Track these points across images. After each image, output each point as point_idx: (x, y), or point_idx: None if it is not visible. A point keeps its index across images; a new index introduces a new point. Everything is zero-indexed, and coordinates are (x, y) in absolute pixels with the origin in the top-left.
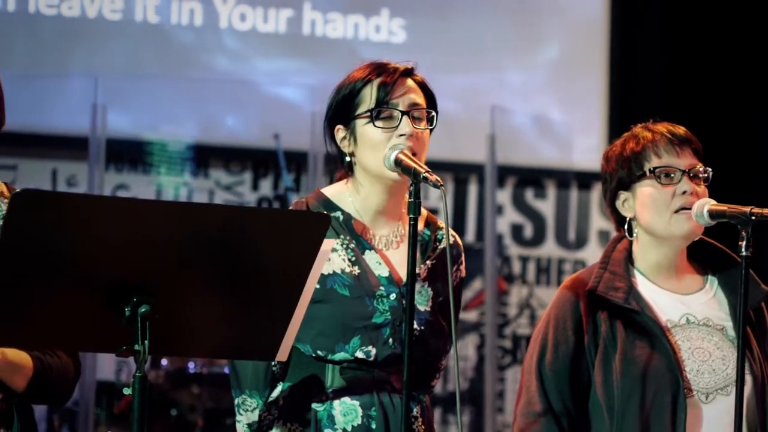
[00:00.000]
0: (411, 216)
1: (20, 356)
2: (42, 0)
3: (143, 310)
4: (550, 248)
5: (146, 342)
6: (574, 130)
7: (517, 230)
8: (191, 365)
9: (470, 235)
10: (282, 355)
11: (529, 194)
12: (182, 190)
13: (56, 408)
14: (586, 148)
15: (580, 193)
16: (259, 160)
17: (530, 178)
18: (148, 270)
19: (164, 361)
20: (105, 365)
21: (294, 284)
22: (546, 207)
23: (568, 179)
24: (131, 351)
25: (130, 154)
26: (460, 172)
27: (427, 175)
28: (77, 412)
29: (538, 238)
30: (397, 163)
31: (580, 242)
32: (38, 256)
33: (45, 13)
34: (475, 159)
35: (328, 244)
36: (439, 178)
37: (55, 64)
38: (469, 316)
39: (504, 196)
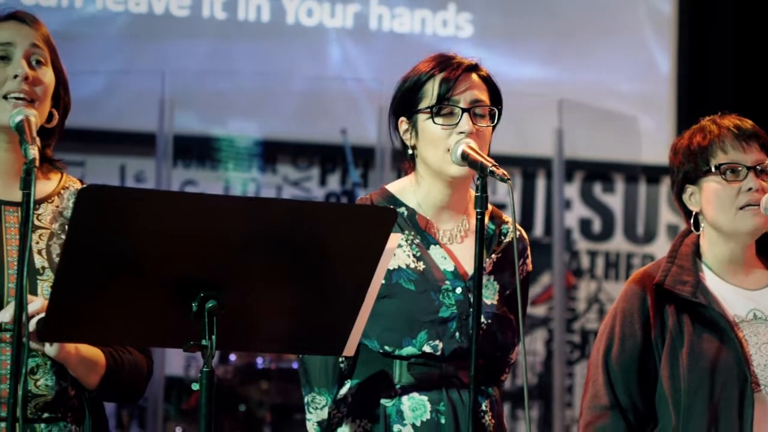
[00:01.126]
0: (478, 210)
1: (93, 352)
2: None
3: (210, 305)
4: (618, 243)
5: (213, 337)
6: (643, 123)
7: (585, 225)
8: (260, 360)
9: (538, 229)
10: (349, 350)
11: (597, 188)
12: (250, 185)
13: (126, 404)
14: (655, 141)
15: (648, 187)
16: (326, 156)
17: (598, 172)
18: (215, 265)
19: (233, 357)
20: (174, 361)
21: (361, 279)
22: (614, 201)
23: (636, 173)
24: (198, 346)
25: (198, 150)
26: (528, 167)
27: (493, 169)
28: (146, 408)
29: (606, 233)
30: (464, 157)
31: (649, 236)
32: (105, 252)
33: (113, 10)
34: (543, 153)
35: (394, 239)
36: (505, 172)
37: (123, 60)
38: (538, 310)
39: (572, 190)
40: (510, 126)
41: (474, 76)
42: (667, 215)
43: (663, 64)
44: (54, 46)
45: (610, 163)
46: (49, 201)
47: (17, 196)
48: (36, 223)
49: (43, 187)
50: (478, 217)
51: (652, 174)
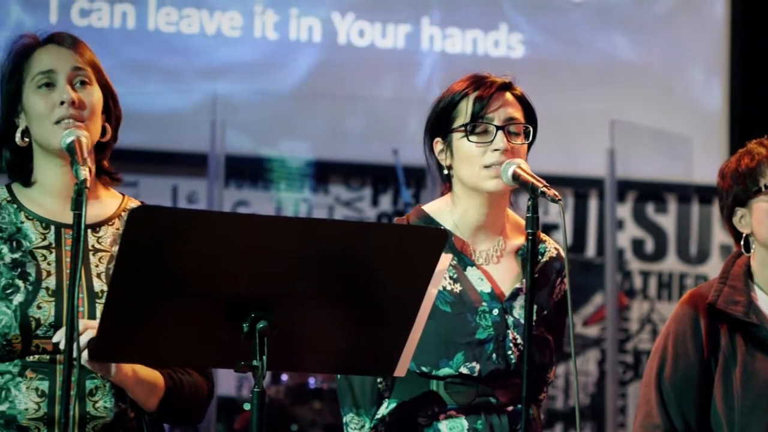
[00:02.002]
0: (529, 231)
1: (152, 374)
2: (162, 17)
3: (261, 325)
4: (671, 263)
5: (264, 357)
6: (695, 143)
7: (638, 245)
8: (312, 381)
9: (591, 250)
10: (400, 371)
11: (649, 208)
12: (302, 206)
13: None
14: (708, 161)
15: (701, 207)
16: (378, 176)
17: (651, 192)
18: (266, 285)
19: (284, 377)
20: (226, 381)
21: (412, 299)
22: (667, 221)
23: (689, 193)
24: (249, 366)
25: (250, 170)
26: (580, 187)
27: (545, 189)
28: (198, 429)
29: (659, 253)
30: (515, 177)
31: (702, 257)
32: (156, 273)
33: (164, 30)
34: (595, 173)
35: (445, 259)
36: (557, 193)
37: (175, 80)
38: (590, 331)
39: (624, 210)
40: (562, 146)
41: (508, 94)
42: (719, 235)
43: (716, 84)
44: (97, 63)
45: (663, 183)
46: (110, 223)
47: None
48: (96, 245)
49: (104, 209)
50: (530, 237)
51: (705, 194)
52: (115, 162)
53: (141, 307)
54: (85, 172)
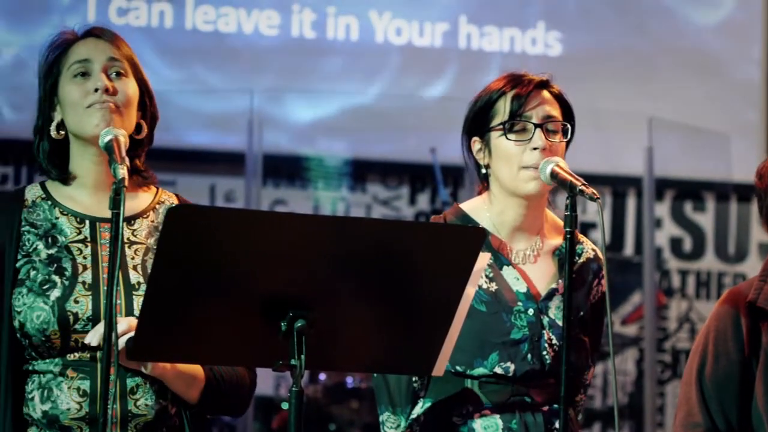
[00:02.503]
0: (567, 229)
1: (191, 367)
2: (199, 16)
3: (299, 324)
4: (709, 261)
5: (302, 356)
6: (733, 141)
7: (676, 243)
8: (349, 380)
9: (629, 248)
10: (438, 370)
11: (688, 207)
12: (339, 205)
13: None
14: (746, 159)
15: (739, 205)
16: (416, 175)
17: (689, 190)
18: (304, 284)
19: (322, 376)
20: (263, 380)
21: (450, 298)
22: (705, 220)
23: (727, 191)
24: (287, 365)
25: (287, 169)
26: (618, 186)
27: (583, 188)
28: (236, 427)
29: (697, 252)
30: (553, 176)
31: (740, 255)
32: (194, 271)
33: (202, 29)
34: (634, 172)
35: (483, 258)
36: (595, 192)
37: (213, 79)
38: (628, 330)
39: (663, 209)
40: (600, 145)
41: (545, 92)
42: (758, 234)
43: (754, 81)
44: (134, 57)
45: (701, 182)
46: (144, 216)
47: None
48: (131, 238)
49: (138, 202)
50: (568, 236)
51: (744, 192)
52: (152, 161)
53: (179, 307)
54: (123, 171)
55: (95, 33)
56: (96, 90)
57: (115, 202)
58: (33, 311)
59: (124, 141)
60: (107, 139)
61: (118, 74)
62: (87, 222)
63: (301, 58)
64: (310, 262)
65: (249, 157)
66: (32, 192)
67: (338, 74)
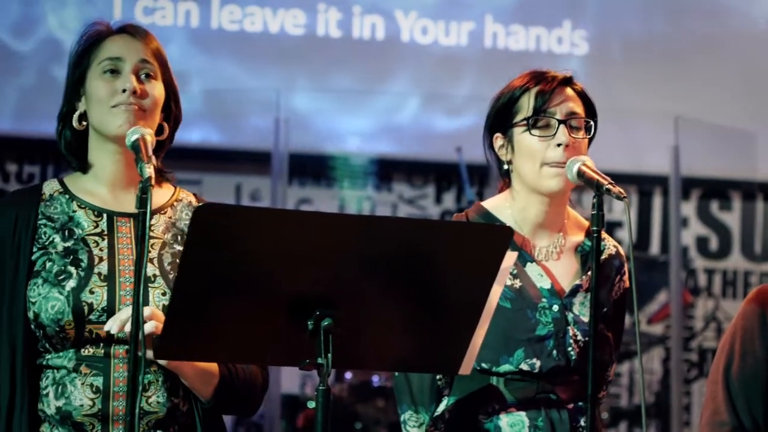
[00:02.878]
0: (594, 228)
1: (208, 363)
2: (225, 15)
3: (326, 323)
4: (736, 260)
5: (329, 355)
6: (760, 139)
7: (702, 242)
8: (375, 379)
9: (655, 247)
10: (465, 368)
11: (714, 206)
12: (365, 204)
13: (243, 419)
14: None
15: (766, 204)
16: (441, 174)
17: (715, 189)
18: (330, 283)
19: (348, 375)
20: (289, 379)
21: (477, 297)
22: (731, 219)
23: (753, 190)
24: (314, 364)
25: (313, 168)
26: (644, 185)
27: (610, 187)
28: (262, 425)
29: (723, 251)
30: (580, 174)
31: (767, 254)
32: (221, 270)
33: (228, 29)
34: (659, 171)
35: (510, 257)
36: (622, 190)
37: (239, 78)
38: (655, 329)
39: (689, 208)
40: (626, 143)
41: (568, 89)
42: None
43: None
44: (165, 59)
45: (727, 181)
46: (162, 212)
47: (128, 207)
48: (149, 233)
49: (156, 198)
50: (595, 235)
51: None
52: (178, 160)
53: (206, 305)
54: (149, 170)
55: (129, 30)
56: (124, 91)
57: (142, 201)
58: (48, 301)
59: (150, 140)
60: (134, 138)
61: (147, 76)
62: (104, 216)
63: (326, 57)
64: (337, 261)
65: (275, 156)
66: (50, 186)
67: (363, 73)
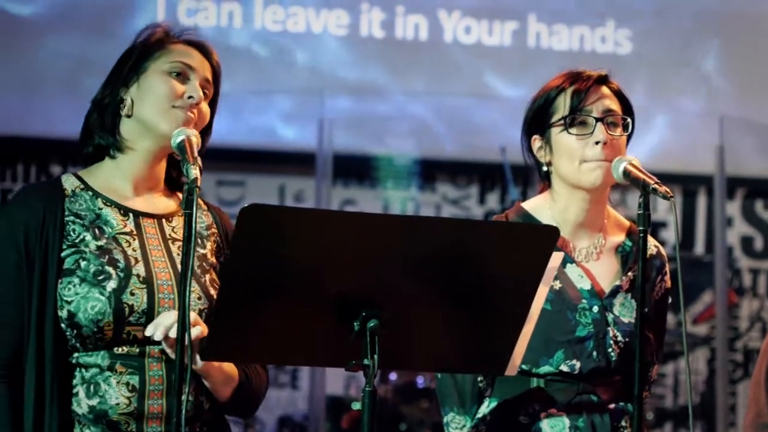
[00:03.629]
0: (641, 228)
1: (229, 365)
2: (268, 16)
3: (372, 324)
4: None
5: (376, 356)
6: None
7: (747, 242)
8: (420, 380)
9: (699, 247)
10: (511, 369)
11: (759, 205)
12: (409, 204)
13: (288, 421)
14: None
15: None
16: (485, 174)
17: (760, 189)
18: (376, 284)
19: (393, 376)
20: (333, 380)
21: (523, 297)
22: None
23: None
24: (360, 365)
25: (357, 168)
26: (689, 184)
27: (656, 186)
28: (307, 426)
29: None
30: (626, 174)
31: None
32: (267, 272)
33: (271, 30)
34: (704, 170)
35: (556, 257)
36: (668, 190)
37: (282, 79)
38: (700, 329)
39: (734, 207)
40: (670, 143)
41: (604, 87)
42: None
43: None
44: (220, 81)
45: None
46: (180, 214)
47: (151, 207)
48: (172, 234)
49: (171, 201)
50: (641, 235)
51: None
52: (222, 161)
53: (252, 307)
54: (195, 172)
55: (203, 49)
56: (189, 97)
57: (188, 203)
58: (87, 301)
59: (196, 141)
60: (180, 139)
61: (204, 95)
62: (131, 215)
63: (370, 57)
64: (383, 262)
65: (319, 156)
66: (69, 182)
67: (407, 73)
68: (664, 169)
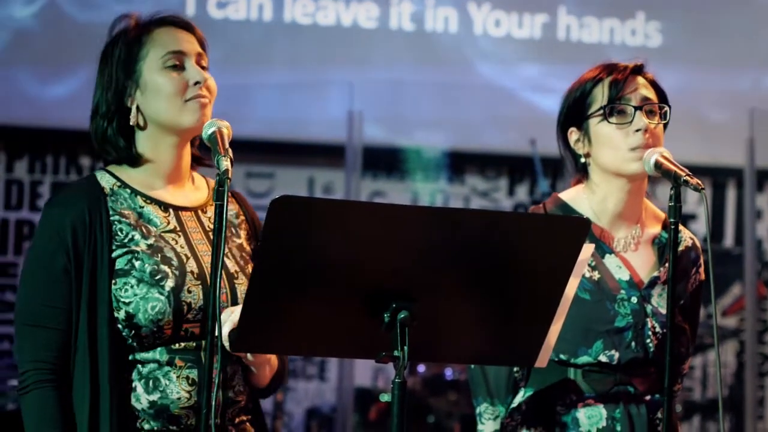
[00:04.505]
0: (672, 220)
1: (275, 357)
2: (298, 9)
3: (403, 315)
4: None
5: (405, 348)
6: None
7: None
8: (448, 372)
9: (729, 239)
10: (542, 361)
11: None
12: (438, 196)
13: (316, 413)
14: None
15: None
16: (515, 166)
17: None
18: (406, 276)
19: (421, 368)
20: (362, 372)
21: (553, 290)
22: None
23: None
24: (391, 357)
25: (386, 160)
26: (718, 176)
27: (687, 178)
28: (334, 418)
29: None
30: (657, 166)
31: None
32: (297, 263)
33: (301, 23)
34: (734, 163)
35: (587, 249)
36: (699, 182)
37: (312, 72)
38: (729, 322)
39: (763, 200)
40: (700, 136)
41: (640, 77)
42: None
43: None
44: (206, 46)
45: None
46: (211, 204)
47: (186, 201)
48: (209, 226)
49: (202, 191)
50: (672, 227)
51: None
52: (251, 153)
53: (282, 298)
54: (226, 163)
55: (177, 23)
56: (196, 83)
57: (219, 194)
58: (147, 302)
59: (227, 132)
60: (211, 131)
61: (202, 68)
62: (171, 211)
63: (400, 49)
64: (413, 254)
65: (349, 148)
66: (105, 179)
67: (437, 66)
68: (693, 162)
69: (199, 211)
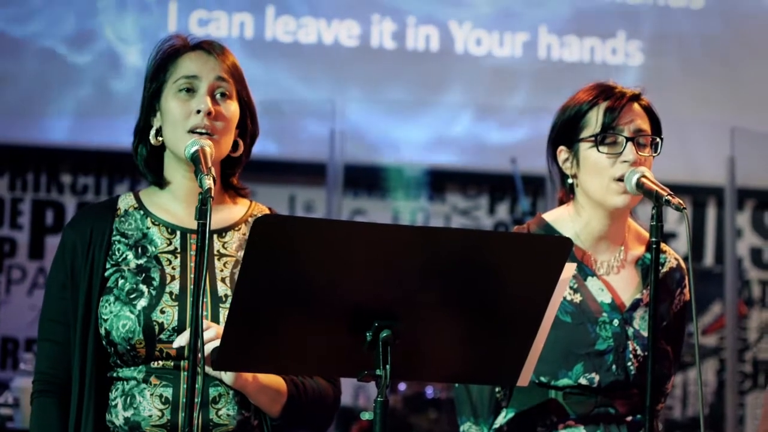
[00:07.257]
0: (653, 239)
1: (274, 380)
2: (279, 27)
3: (385, 334)
4: None
5: (388, 367)
6: None
7: (756, 254)
8: (429, 390)
9: (709, 258)
10: (523, 380)
11: None
12: (419, 215)
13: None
14: None
15: None
16: (495, 185)
17: None
18: (389, 294)
19: (402, 386)
20: (342, 390)
21: (535, 309)
22: None
23: None
24: (373, 376)
25: (367, 179)
26: (698, 195)
27: (669, 198)
28: None
29: None
30: (639, 186)
31: None
32: (280, 281)
33: (282, 41)
34: (715, 182)
35: (569, 269)
36: (681, 201)
37: (293, 90)
38: (709, 340)
39: (743, 219)
40: (681, 154)
41: (636, 105)
42: None
43: None
44: (241, 75)
45: None
46: (236, 229)
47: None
48: (222, 250)
49: (230, 214)
50: (654, 246)
51: None
52: None
53: (265, 317)
54: (209, 182)
55: (205, 47)
56: (198, 112)
57: (201, 213)
58: (119, 320)
59: (210, 152)
60: (193, 150)
61: (223, 95)
62: (178, 233)
63: (381, 68)
64: (395, 273)
65: (330, 166)
66: (125, 201)
67: (418, 84)
68: (673, 180)
69: (215, 235)
